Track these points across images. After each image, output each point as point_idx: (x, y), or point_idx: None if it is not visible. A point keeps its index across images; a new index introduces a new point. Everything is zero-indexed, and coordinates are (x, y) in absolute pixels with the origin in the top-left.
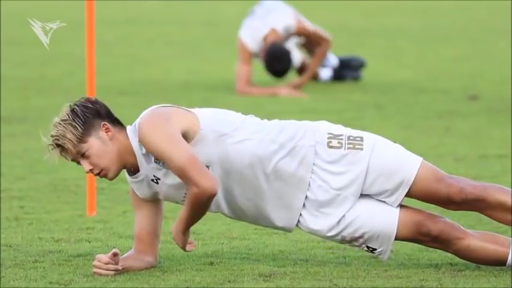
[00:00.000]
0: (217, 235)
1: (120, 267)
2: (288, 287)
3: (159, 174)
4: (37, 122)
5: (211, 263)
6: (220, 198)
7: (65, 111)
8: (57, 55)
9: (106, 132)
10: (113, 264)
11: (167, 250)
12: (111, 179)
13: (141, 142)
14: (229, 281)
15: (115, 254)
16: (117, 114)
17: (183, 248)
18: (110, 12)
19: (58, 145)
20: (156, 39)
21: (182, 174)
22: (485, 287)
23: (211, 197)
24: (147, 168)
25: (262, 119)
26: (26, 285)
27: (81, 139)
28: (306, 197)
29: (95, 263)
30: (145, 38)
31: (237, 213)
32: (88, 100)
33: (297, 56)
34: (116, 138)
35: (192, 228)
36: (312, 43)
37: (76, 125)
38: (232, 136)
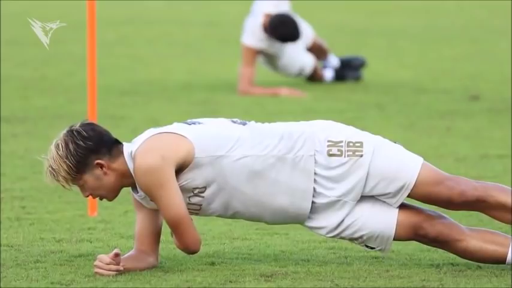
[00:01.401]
0: (219, 235)
1: (122, 268)
2: (290, 287)
3: None
4: (38, 122)
5: (213, 263)
6: (222, 215)
7: (60, 141)
8: (57, 55)
9: (100, 168)
10: (114, 264)
11: (168, 250)
12: (111, 201)
13: (136, 180)
14: (230, 281)
15: (116, 254)
16: (117, 114)
17: None
18: (111, 12)
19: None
20: (156, 39)
21: (170, 228)
22: (486, 287)
23: (193, 253)
24: None
25: (263, 122)
26: (27, 285)
27: (75, 177)
28: (313, 202)
29: (97, 263)
30: (146, 38)
31: (239, 218)
32: (80, 135)
33: (309, 60)
34: (112, 169)
35: None
36: (316, 47)
37: (70, 164)
38: (227, 157)
